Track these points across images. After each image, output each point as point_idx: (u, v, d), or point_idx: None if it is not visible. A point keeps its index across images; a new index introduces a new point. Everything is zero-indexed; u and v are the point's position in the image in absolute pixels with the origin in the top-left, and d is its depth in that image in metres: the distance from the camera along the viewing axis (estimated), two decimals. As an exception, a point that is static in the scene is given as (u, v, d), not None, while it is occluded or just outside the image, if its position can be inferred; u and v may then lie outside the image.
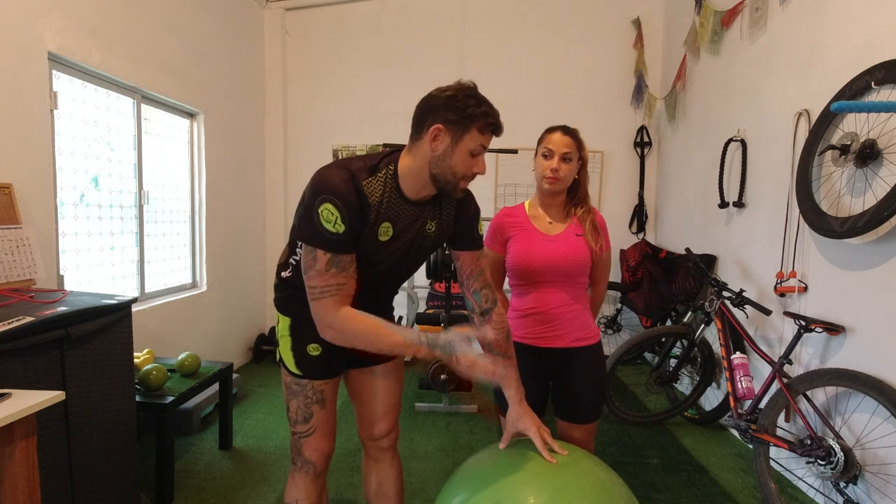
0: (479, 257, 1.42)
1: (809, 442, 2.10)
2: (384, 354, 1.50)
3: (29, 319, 1.55)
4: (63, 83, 2.50)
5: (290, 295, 1.40)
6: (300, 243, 1.29)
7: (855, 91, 2.09)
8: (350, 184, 1.18)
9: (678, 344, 3.20)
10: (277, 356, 1.47)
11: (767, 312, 2.48)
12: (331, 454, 1.48)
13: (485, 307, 1.41)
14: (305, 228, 1.20)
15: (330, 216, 1.16)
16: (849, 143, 2.14)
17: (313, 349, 1.39)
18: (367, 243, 1.26)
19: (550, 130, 1.61)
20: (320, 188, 1.17)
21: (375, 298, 1.44)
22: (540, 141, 1.63)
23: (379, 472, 1.60)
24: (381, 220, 1.25)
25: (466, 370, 1.19)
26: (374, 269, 1.32)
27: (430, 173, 1.23)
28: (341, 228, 1.17)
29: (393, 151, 1.29)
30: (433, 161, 1.22)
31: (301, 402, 1.41)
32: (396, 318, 1.80)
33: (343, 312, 1.21)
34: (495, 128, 1.22)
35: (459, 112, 1.17)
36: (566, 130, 1.60)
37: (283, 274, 1.42)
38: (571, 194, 1.66)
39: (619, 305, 4.45)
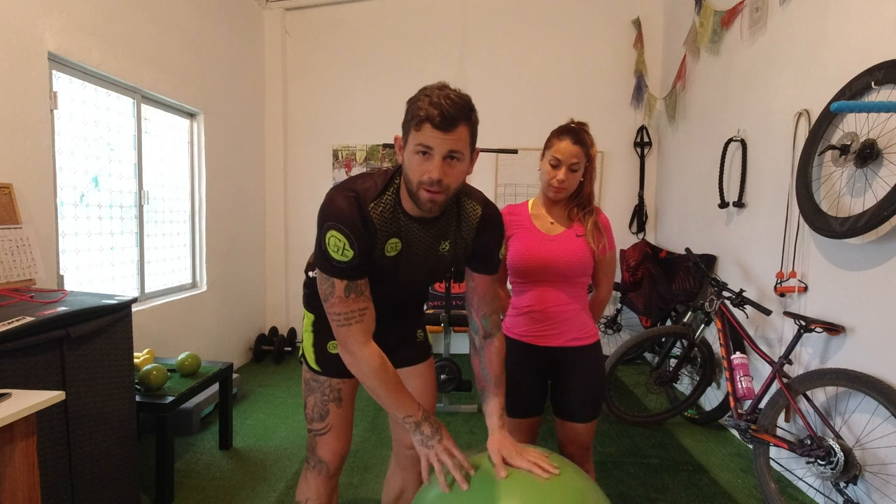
0: (493, 281, 1.36)
1: (809, 442, 2.10)
2: (407, 357, 1.53)
3: (29, 319, 1.55)
4: (63, 83, 2.50)
5: (315, 293, 1.40)
6: None
7: (855, 91, 2.09)
8: (355, 208, 1.15)
9: (678, 344, 3.20)
10: (300, 352, 1.47)
11: (767, 312, 2.48)
12: (345, 455, 1.48)
13: (489, 331, 1.37)
14: (319, 256, 1.18)
15: (337, 244, 1.14)
16: (849, 143, 2.14)
17: (333, 347, 1.41)
18: (375, 260, 1.24)
19: (560, 137, 1.56)
20: (327, 214, 1.15)
21: (393, 311, 1.45)
22: (548, 145, 1.58)
23: (405, 481, 1.59)
24: (389, 237, 1.22)
25: (441, 455, 1.19)
26: (385, 284, 1.31)
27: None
28: (350, 255, 1.14)
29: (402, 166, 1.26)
30: (404, 175, 1.17)
31: (318, 399, 1.42)
32: None
33: (370, 349, 1.19)
34: (430, 118, 1.05)
35: (408, 114, 1.11)
36: (576, 139, 1.54)
37: (311, 273, 1.44)
38: (575, 194, 1.64)
39: (619, 305, 4.45)
